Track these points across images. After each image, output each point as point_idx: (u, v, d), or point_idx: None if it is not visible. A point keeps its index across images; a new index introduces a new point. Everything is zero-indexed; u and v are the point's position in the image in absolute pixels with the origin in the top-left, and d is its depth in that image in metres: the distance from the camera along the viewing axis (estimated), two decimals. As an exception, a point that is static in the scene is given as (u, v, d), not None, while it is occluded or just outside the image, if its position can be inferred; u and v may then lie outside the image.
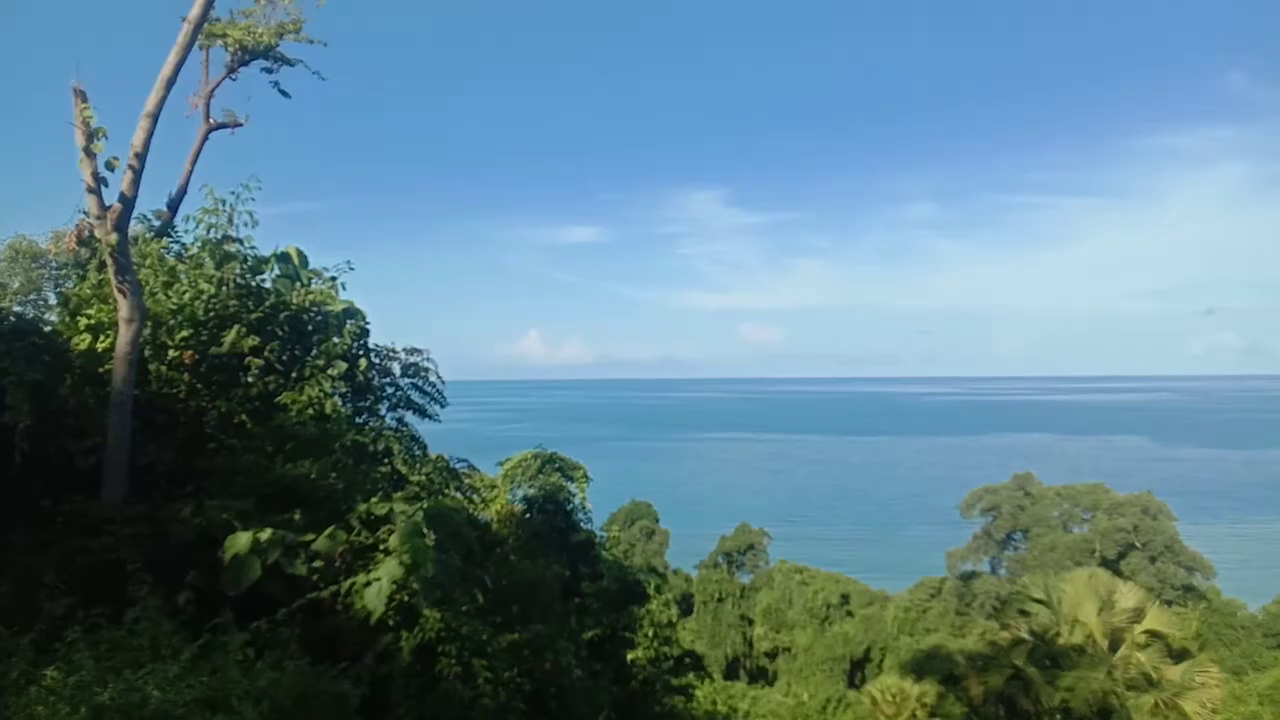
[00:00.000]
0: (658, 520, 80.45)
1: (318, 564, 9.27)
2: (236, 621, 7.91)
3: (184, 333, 11.61)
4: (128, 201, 10.39)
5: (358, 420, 13.37)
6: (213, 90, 16.02)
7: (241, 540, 8.87)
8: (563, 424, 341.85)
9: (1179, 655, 31.03)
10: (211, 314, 11.85)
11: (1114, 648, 28.85)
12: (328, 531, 9.51)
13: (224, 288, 12.15)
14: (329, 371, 12.29)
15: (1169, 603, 54.15)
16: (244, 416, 11.66)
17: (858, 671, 61.63)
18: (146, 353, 11.28)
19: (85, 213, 10.72)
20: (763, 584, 71.53)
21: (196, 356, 11.59)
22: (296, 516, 9.83)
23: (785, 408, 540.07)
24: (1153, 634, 28.91)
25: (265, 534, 8.96)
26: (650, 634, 20.27)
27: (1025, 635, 30.31)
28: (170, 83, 10.54)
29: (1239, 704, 33.31)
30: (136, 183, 10.44)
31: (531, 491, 20.77)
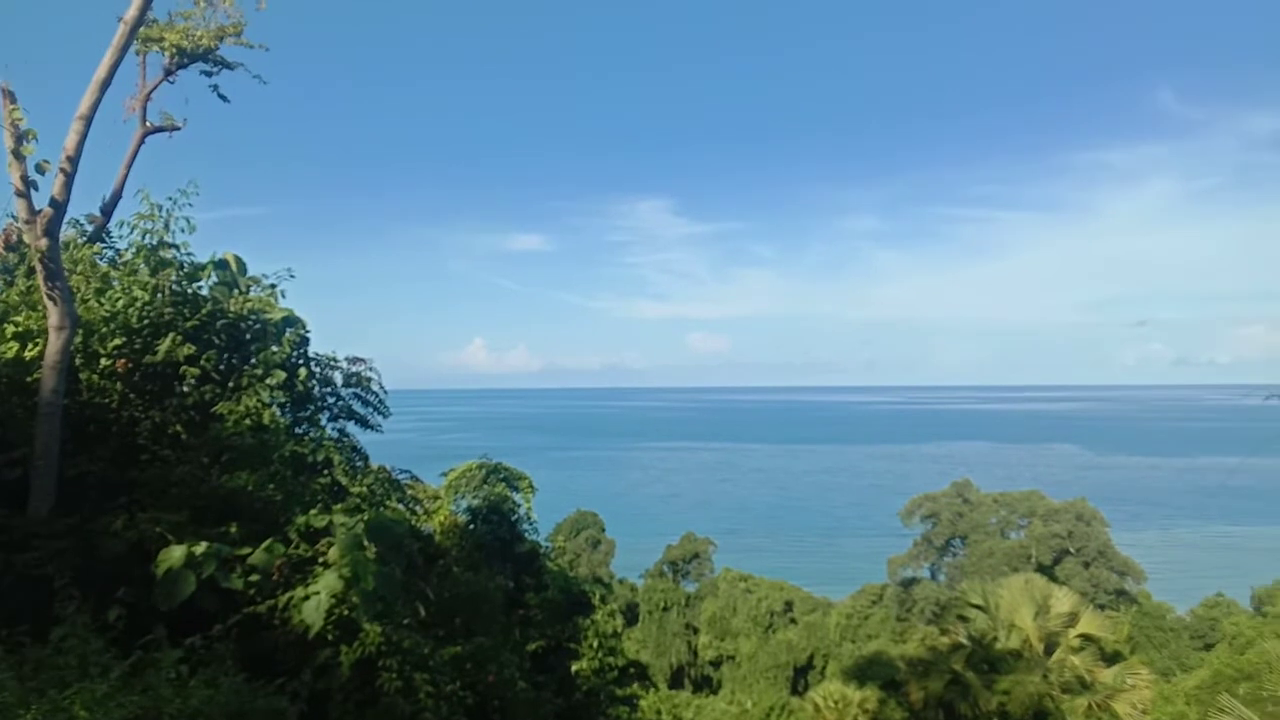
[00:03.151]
0: (604, 530, 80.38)
1: (255, 578, 9.09)
2: (170, 638, 7.72)
3: (117, 341, 11.32)
4: (59, 206, 10.10)
5: (297, 431, 13.14)
6: (150, 93, 15.62)
7: (175, 554, 8.66)
8: (508, 433, 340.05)
9: (1111, 658, 31.95)
10: (146, 321, 11.57)
11: (1049, 651, 29.53)
12: (265, 544, 9.34)
13: (159, 295, 11.87)
14: (267, 381, 12.07)
15: (1102, 607, 55.72)
16: (179, 427, 11.39)
17: (801, 678, 62.13)
18: (77, 361, 10.97)
19: (14, 217, 10.41)
20: (708, 592, 71.78)
21: (130, 365, 11.30)
22: (233, 529, 9.64)
23: (731, 416, 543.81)
24: (1086, 638, 29.68)
25: (200, 547, 8.77)
26: (595, 645, 20.24)
27: (964, 640, 30.88)
28: (105, 85, 10.29)
29: (1167, 704, 34.34)
30: (68, 187, 10.16)
31: (476, 502, 20.60)
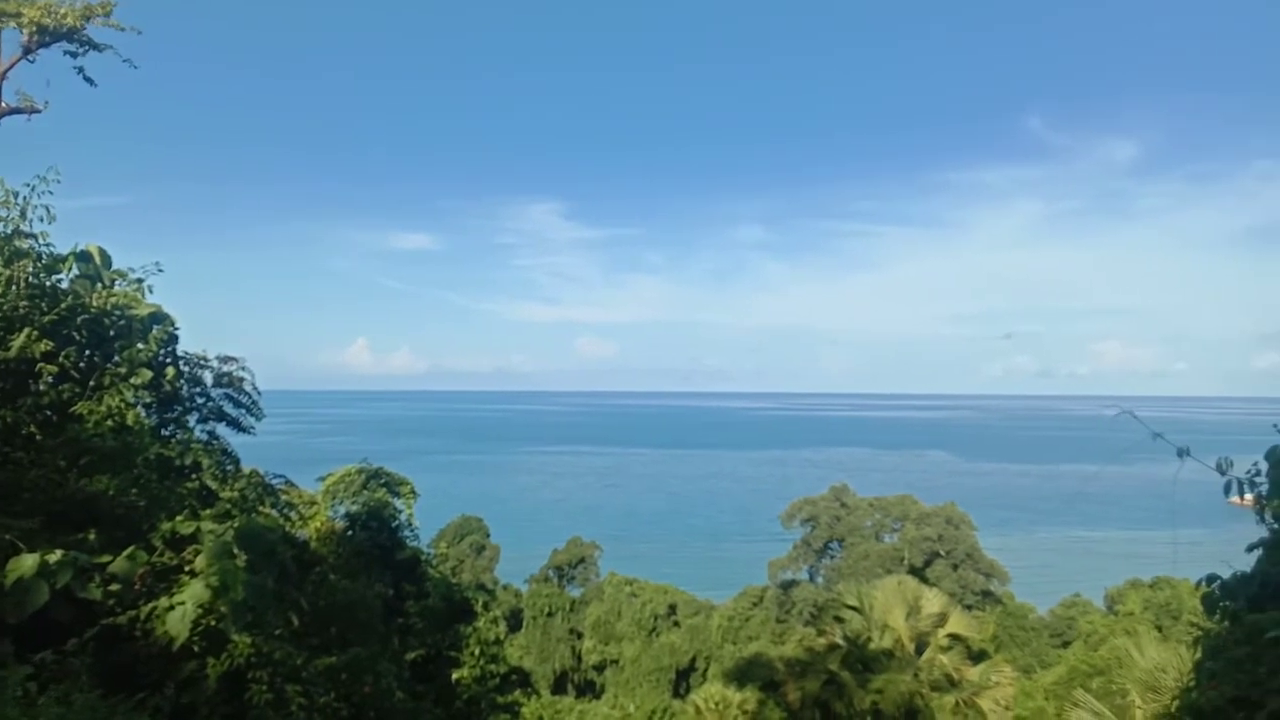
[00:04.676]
0: (488, 535, 79.52)
1: (115, 587, 8.62)
2: (18, 653, 7.26)
3: (-36, 336, 10.61)
4: (-102, 189, 9.42)
5: (163, 432, 12.55)
6: (5, 72, 14.71)
7: (27, 562, 8.13)
8: (391, 437, 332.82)
9: (977, 656, 33.42)
10: (-2, 316, 10.88)
11: (920, 651, 30.72)
12: (127, 552, 8.88)
13: (14, 287, 11.16)
14: (131, 380, 11.49)
15: (969, 607, 58.39)
16: (33, 427, 10.73)
17: (683, 681, 62.81)
18: (-83, 357, 10.23)
19: None
20: (593, 597, 71.86)
21: (-22, 361, 10.60)
22: (92, 536, 9.13)
23: (619, 421, 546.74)
24: (954, 637, 31.01)
25: (54, 555, 8.25)
26: (477, 652, 20.03)
27: (840, 641, 31.81)
28: (-46, 62, 9.65)
29: (1028, 699, 36.15)
30: (-90, 169, 9.49)
31: (354, 508, 20.08)
